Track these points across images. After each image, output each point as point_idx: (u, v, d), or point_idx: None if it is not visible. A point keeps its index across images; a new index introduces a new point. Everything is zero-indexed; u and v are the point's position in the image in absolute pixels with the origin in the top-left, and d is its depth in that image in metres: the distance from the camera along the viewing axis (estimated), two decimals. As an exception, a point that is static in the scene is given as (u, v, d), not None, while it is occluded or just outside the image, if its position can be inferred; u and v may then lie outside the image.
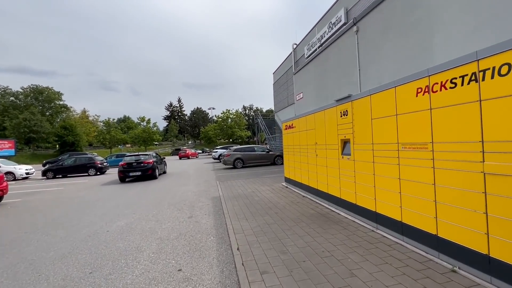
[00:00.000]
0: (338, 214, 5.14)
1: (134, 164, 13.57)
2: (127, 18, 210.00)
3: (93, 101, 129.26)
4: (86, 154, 29.09)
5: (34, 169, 19.38)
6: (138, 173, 13.38)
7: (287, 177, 8.81)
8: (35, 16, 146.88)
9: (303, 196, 6.96)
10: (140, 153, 15.66)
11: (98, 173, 18.51)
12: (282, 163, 19.05)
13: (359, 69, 10.66)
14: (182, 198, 7.96)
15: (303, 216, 5.13)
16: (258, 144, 32.90)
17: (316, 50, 15.12)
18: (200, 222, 5.35)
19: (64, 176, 18.40)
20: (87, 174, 18.24)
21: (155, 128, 41.50)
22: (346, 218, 4.82)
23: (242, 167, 16.92)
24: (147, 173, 13.49)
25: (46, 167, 18.24)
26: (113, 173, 19.57)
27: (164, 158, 19.00)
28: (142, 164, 13.57)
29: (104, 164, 19.14)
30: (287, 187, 8.60)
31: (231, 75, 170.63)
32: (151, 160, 13.93)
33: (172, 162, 28.45)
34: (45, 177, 17.70)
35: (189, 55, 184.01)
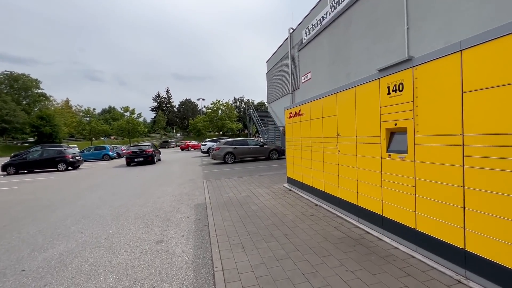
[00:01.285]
0: (379, 239, 3.48)
1: (138, 152, 17.30)
2: (114, 5, 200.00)
3: (77, 91, 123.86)
4: (62, 146, 26.49)
5: (-5, 163, 16.88)
6: (141, 159, 17.15)
7: (290, 178, 7.10)
8: None
9: (316, 205, 5.28)
10: (142, 143, 20.18)
11: (69, 168, 16.28)
12: (278, 158, 17.56)
13: (407, 27, 7.83)
14: (156, 206, 6.13)
15: (328, 243, 3.44)
16: (250, 137, 31.02)
17: (329, 15, 12.32)
18: (172, 252, 3.56)
19: (31, 172, 16.10)
20: (55, 169, 15.98)
21: (140, 119, 38.75)
22: (397, 249, 3.16)
23: (234, 162, 15.13)
24: (147, 159, 17.24)
25: (6, 161, 15.81)
26: (88, 168, 17.39)
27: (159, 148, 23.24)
28: (144, 152, 17.29)
29: (77, 157, 16.88)
30: (291, 189, 6.91)
31: (222, 66, 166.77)
32: (150, 150, 17.63)
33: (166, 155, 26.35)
34: (5, 173, 15.34)
35: (178, 46, 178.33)
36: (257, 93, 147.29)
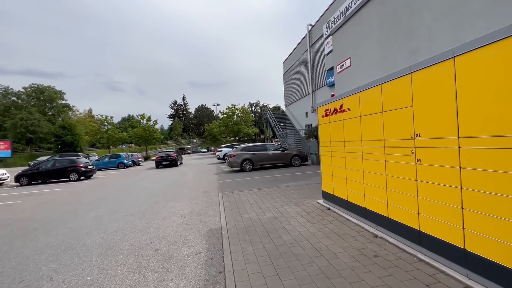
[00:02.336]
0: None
1: (164, 157, 21.33)
2: (131, 20, 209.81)
3: (100, 102, 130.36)
4: (79, 155, 26.45)
5: (9, 174, 16.62)
6: (167, 162, 21.13)
7: (328, 193, 5.57)
8: (42, 18, 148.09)
9: (376, 236, 3.73)
10: (167, 149, 25.17)
11: (81, 177, 15.64)
12: (301, 164, 15.29)
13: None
14: (159, 232, 4.82)
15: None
16: (267, 142, 29.61)
17: None
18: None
19: (44, 182, 15.63)
20: (68, 179, 15.39)
21: (156, 126, 38.50)
22: None
23: (252, 169, 13.75)
24: (172, 162, 21.24)
25: (19, 172, 15.43)
26: (100, 178, 16.72)
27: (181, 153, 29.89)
28: (169, 157, 21.35)
29: (89, 167, 16.25)
30: (329, 208, 5.37)
31: (235, 73, 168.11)
32: (174, 155, 21.93)
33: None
34: (18, 184, 14.93)
35: (192, 54, 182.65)
36: (272, 98, 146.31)
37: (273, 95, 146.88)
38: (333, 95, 7.35)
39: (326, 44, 17.99)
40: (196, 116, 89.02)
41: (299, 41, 24.01)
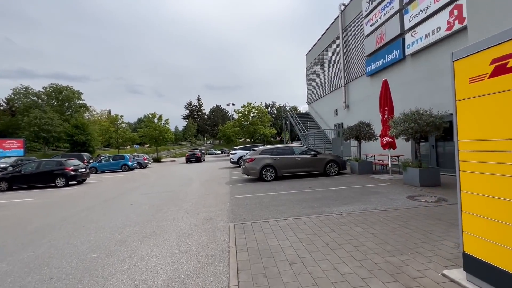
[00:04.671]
0: None
1: (192, 155, 29.15)
2: (150, 25, 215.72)
3: (120, 104, 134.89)
4: (82, 155, 24.45)
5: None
6: (194, 159, 28.92)
7: (482, 261, 2.28)
8: (67, 25, 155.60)
9: None
10: (195, 149, 34.41)
11: (70, 182, 13.16)
12: (338, 173, 10.95)
13: None
14: None
15: None
16: (291, 143, 26.07)
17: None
18: None
19: (31, 187, 13.32)
20: (53, 184, 12.94)
21: (167, 126, 36.17)
22: None
23: (275, 178, 10.58)
24: (198, 159, 29.11)
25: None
26: (95, 182, 14.19)
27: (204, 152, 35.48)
28: (196, 155, 29.14)
29: (80, 170, 13.74)
30: (508, 312, 2.08)
31: (251, 75, 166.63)
32: (199, 153, 29.62)
33: (192, 165, 22.93)
34: (-4, 189, 12.66)
35: (209, 58, 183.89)
36: (289, 100, 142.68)
37: (289, 97, 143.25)
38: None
39: (367, 23, 14.52)
40: (210, 117, 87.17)
41: (327, 27, 20.60)
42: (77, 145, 44.86)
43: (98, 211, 7.03)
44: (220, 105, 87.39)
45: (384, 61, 13.04)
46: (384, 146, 9.79)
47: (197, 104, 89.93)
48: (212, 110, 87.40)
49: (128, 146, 62.61)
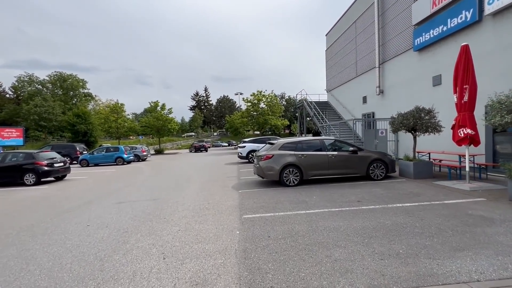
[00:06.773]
0: None
1: (201, 145, 35.56)
2: (159, 17, 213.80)
3: (129, 95, 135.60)
4: (74, 146, 22.19)
5: None
6: (203, 149, 35.28)
7: None
8: (79, 16, 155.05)
9: None
10: (203, 140, 44.82)
11: (42, 179, 10.70)
12: (385, 177, 6.89)
13: None
14: None
15: None
16: (307, 136, 22.95)
17: None
18: None
19: (-1, 184, 10.93)
20: (21, 181, 10.49)
21: (172, 115, 33.54)
22: None
23: (300, 182, 7.75)
24: (205, 149, 35.43)
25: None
26: (76, 179, 11.69)
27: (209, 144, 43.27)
28: (203, 146, 35.64)
29: (56, 165, 11.24)
30: None
31: (259, 67, 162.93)
32: (207, 145, 38.14)
33: (195, 157, 20.36)
34: (-49, 187, 10.30)
35: (217, 49, 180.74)
36: (298, 91, 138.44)
37: (300, 89, 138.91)
38: None
39: (418, -19, 11.18)
40: (217, 108, 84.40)
41: (356, -3, 17.20)
42: (78, 135, 43.03)
43: (21, 241, 4.37)
44: (227, 96, 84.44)
45: (445, 28, 9.81)
46: (460, 141, 6.80)
47: (204, 95, 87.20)
48: (219, 101, 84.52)
49: (133, 137, 60.75)
